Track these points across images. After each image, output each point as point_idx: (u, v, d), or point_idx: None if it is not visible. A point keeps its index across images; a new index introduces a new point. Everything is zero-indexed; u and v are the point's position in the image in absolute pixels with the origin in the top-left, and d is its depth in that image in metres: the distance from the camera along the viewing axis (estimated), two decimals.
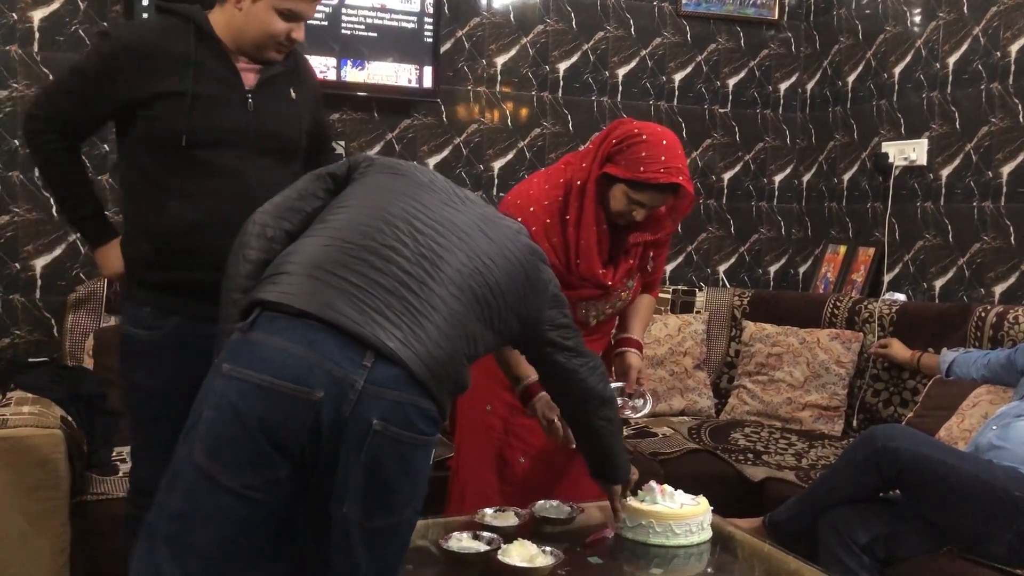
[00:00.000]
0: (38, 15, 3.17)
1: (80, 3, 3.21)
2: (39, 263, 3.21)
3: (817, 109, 4.17)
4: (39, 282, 3.21)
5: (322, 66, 3.39)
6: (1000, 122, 3.24)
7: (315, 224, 1.57)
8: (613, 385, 2.26)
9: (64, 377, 2.82)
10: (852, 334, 3.40)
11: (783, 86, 4.21)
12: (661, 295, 3.15)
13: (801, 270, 4.26)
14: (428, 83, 3.55)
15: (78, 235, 2.16)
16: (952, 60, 3.44)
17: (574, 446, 2.05)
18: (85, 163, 2.12)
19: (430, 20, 3.53)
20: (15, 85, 3.14)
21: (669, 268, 4.04)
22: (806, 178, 4.23)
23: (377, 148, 3.62)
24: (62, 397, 2.66)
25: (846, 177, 3.98)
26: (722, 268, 4.18)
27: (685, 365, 3.58)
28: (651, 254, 2.31)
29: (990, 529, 2.16)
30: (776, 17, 4.13)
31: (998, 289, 3.25)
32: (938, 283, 3.49)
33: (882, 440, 2.27)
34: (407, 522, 1.47)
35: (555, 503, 2.09)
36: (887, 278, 3.67)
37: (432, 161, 3.72)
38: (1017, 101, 3.18)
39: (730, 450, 3.10)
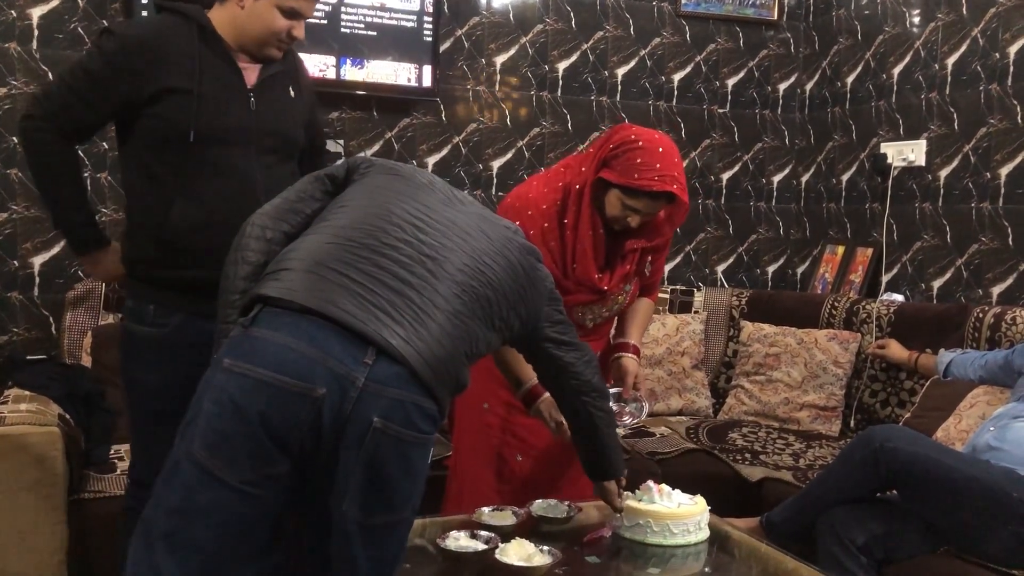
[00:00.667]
0: (37, 12, 3.16)
1: (79, 1, 3.20)
2: (37, 261, 3.20)
3: (816, 109, 4.17)
4: (37, 280, 3.20)
5: (321, 64, 3.39)
6: (999, 123, 3.25)
7: (316, 223, 1.57)
8: (610, 391, 2.27)
9: (62, 375, 2.82)
10: (850, 334, 3.41)
11: (782, 86, 4.21)
12: (659, 295, 3.15)
13: (799, 270, 4.26)
14: (427, 82, 3.55)
15: (67, 240, 2.10)
16: (951, 61, 3.44)
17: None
18: (81, 167, 2.11)
19: (429, 19, 3.52)
20: (14, 83, 3.14)
21: (668, 268, 4.03)
22: (804, 178, 4.23)
23: (376, 147, 3.62)
24: (60, 395, 2.66)
25: (844, 178, 3.99)
26: (720, 268, 4.19)
27: (683, 365, 3.58)
28: (649, 258, 2.31)
29: (987, 530, 2.16)
30: (775, 18, 4.13)
31: (996, 290, 3.25)
32: (936, 284, 3.50)
33: (880, 440, 2.27)
34: (406, 520, 1.47)
35: (553, 502, 2.09)
36: (885, 278, 3.67)
37: (431, 160, 3.71)
38: (1015, 102, 3.18)
39: (727, 450, 3.10)
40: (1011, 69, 3.20)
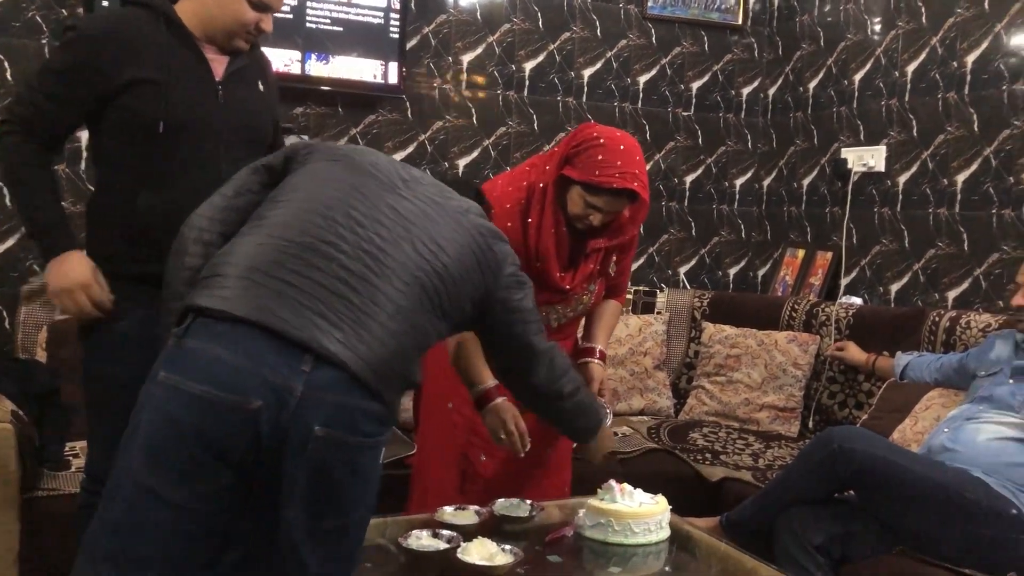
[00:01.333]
0: None
1: None
2: None
3: (778, 114, 4.22)
4: None
5: (286, 59, 3.36)
6: (956, 131, 3.31)
7: (251, 221, 1.51)
8: None
9: (15, 370, 2.76)
10: (809, 336, 3.45)
11: (745, 91, 4.26)
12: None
13: (760, 273, 4.31)
14: (393, 79, 3.53)
15: (38, 246, 2.03)
16: (911, 69, 3.50)
17: (523, 455, 2.06)
18: (55, 171, 2.06)
19: (396, 16, 3.51)
20: None
21: (631, 269, 4.05)
22: (766, 182, 4.28)
23: (341, 144, 3.59)
24: (13, 391, 2.60)
25: (806, 182, 4.04)
26: (683, 270, 4.22)
27: (645, 365, 3.60)
28: (614, 259, 2.31)
29: (941, 530, 2.20)
30: (740, 23, 4.17)
31: (952, 294, 3.31)
32: (894, 287, 3.55)
33: (838, 441, 2.30)
34: (358, 522, 1.44)
35: (515, 501, 2.09)
36: (844, 282, 3.73)
37: (396, 158, 3.70)
38: (972, 111, 3.25)
39: (688, 450, 3.13)
40: (968, 78, 3.26)
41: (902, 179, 3.52)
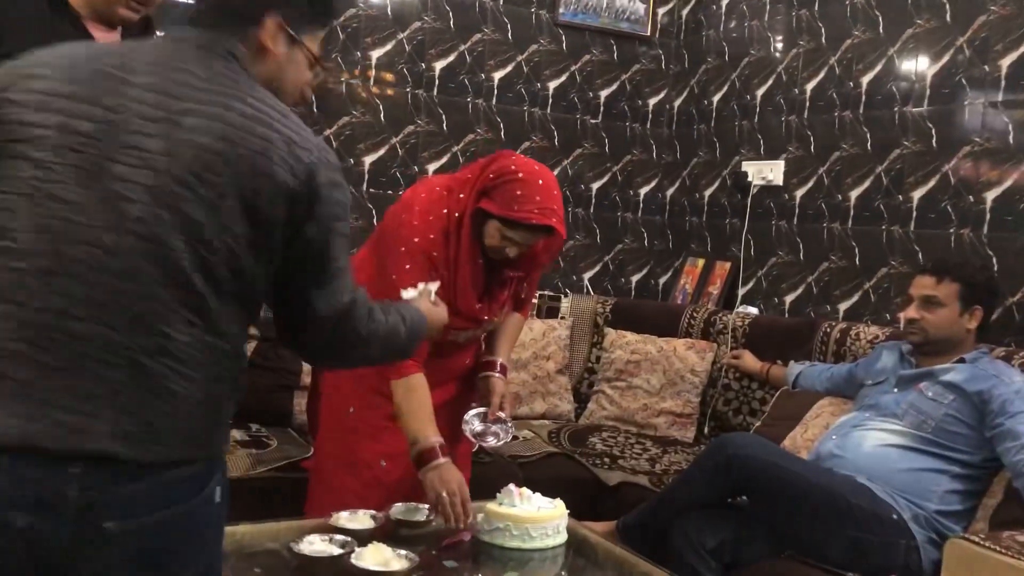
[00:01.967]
0: None
1: None
2: None
3: (683, 126, 4.31)
4: None
5: None
6: (850, 148, 3.43)
7: None
8: (475, 411, 2.25)
9: None
10: (707, 344, 3.52)
11: (652, 101, 4.33)
12: None
13: (661, 281, 4.39)
14: None
15: None
16: (810, 87, 3.62)
17: (464, 526, 1.98)
18: None
19: None
20: None
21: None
22: (670, 192, 4.36)
23: None
24: None
25: (707, 193, 4.13)
26: (587, 276, 4.26)
27: (548, 369, 3.61)
28: (525, 284, 2.34)
29: (827, 534, 2.27)
30: (649, 34, 4.24)
31: (843, 306, 3.43)
32: (788, 298, 3.66)
33: (732, 448, 2.36)
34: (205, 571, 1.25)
35: (412, 506, 2.06)
36: (741, 291, 3.83)
37: None
38: (866, 130, 3.37)
39: (587, 454, 3.15)
40: (863, 98, 3.39)
41: (799, 193, 3.64)
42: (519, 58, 4.00)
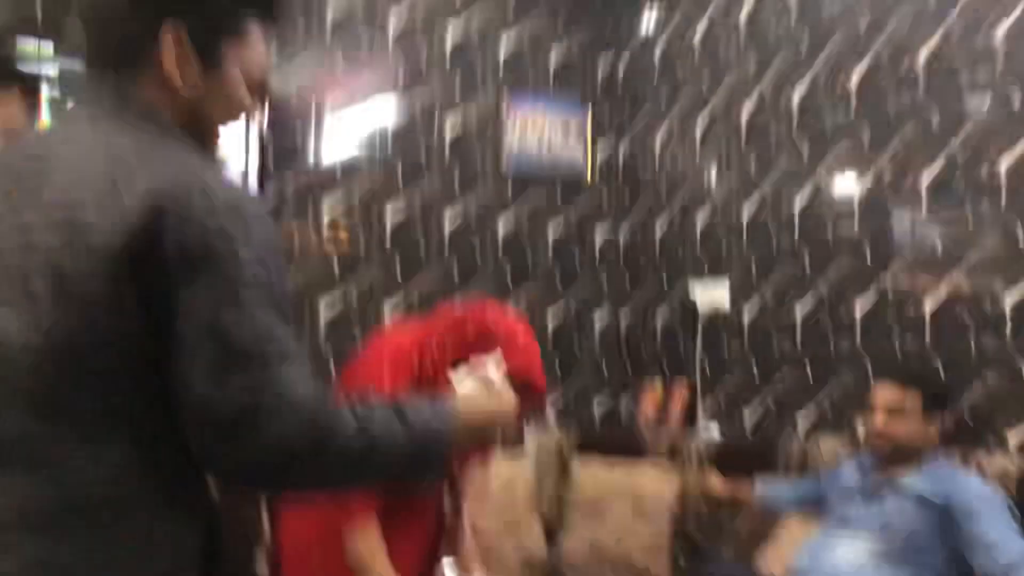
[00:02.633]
0: None
1: None
2: None
3: (630, 256, 4.43)
4: None
5: None
6: (791, 270, 3.59)
7: None
8: (446, 560, 2.20)
9: None
10: (672, 469, 3.53)
11: (599, 238, 4.45)
12: None
13: (622, 408, 4.42)
14: None
15: None
16: (745, 215, 3.80)
17: None
18: None
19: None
20: None
21: None
22: (623, 321, 4.44)
23: None
24: None
25: (659, 319, 4.23)
26: (550, 410, 4.27)
27: (517, 508, 3.57)
28: None
29: None
30: (589, 180, 4.39)
31: (801, 421, 3.50)
32: (747, 415, 3.72)
33: None
34: None
35: None
36: (701, 413, 3.88)
37: None
38: (805, 250, 3.54)
39: None
40: (797, 223, 3.57)
41: (746, 313, 3.75)
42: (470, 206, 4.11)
